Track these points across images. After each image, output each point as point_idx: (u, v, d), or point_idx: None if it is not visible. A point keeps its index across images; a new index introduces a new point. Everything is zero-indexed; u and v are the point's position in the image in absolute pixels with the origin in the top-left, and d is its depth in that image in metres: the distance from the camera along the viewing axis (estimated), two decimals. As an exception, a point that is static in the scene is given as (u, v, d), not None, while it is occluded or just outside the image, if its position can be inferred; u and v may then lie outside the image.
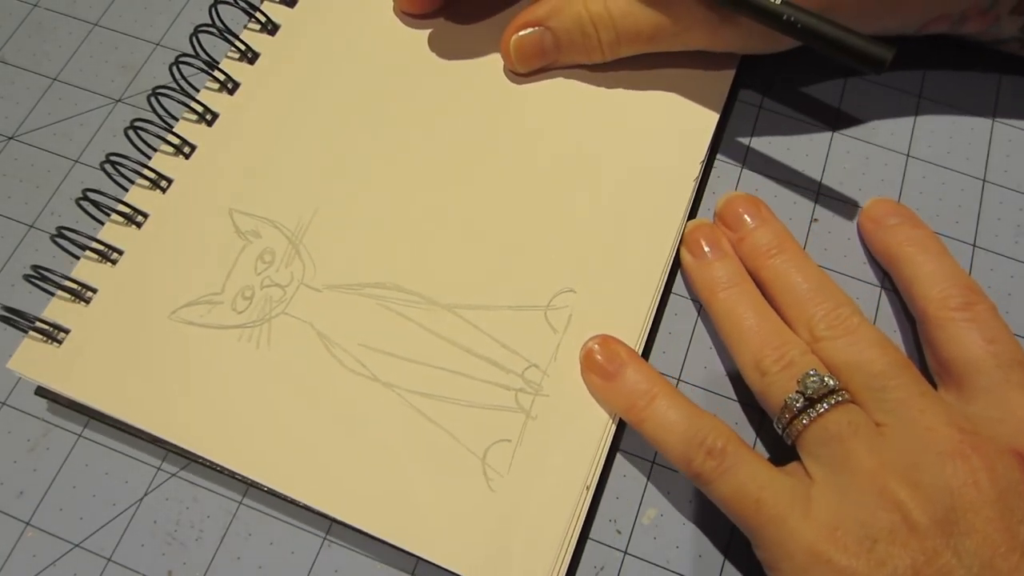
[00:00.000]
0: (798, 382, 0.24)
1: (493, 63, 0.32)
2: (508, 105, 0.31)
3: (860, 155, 0.32)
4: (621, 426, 0.28)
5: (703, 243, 0.29)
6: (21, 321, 0.27)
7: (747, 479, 0.23)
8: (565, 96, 0.32)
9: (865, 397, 0.24)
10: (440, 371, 0.27)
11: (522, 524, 0.25)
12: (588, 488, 0.25)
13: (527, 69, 0.31)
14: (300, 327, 0.28)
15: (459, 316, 0.28)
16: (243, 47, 0.32)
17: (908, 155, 0.32)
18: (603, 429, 0.26)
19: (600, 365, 0.26)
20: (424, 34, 0.33)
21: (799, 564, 0.22)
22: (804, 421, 0.24)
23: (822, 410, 0.23)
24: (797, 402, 0.24)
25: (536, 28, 0.30)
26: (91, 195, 0.28)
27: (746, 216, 0.29)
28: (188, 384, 0.27)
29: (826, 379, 0.24)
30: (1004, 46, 0.32)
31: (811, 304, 0.26)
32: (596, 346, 0.27)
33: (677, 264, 0.30)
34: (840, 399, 0.24)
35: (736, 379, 0.28)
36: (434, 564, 0.25)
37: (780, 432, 0.25)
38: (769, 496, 0.23)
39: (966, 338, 0.25)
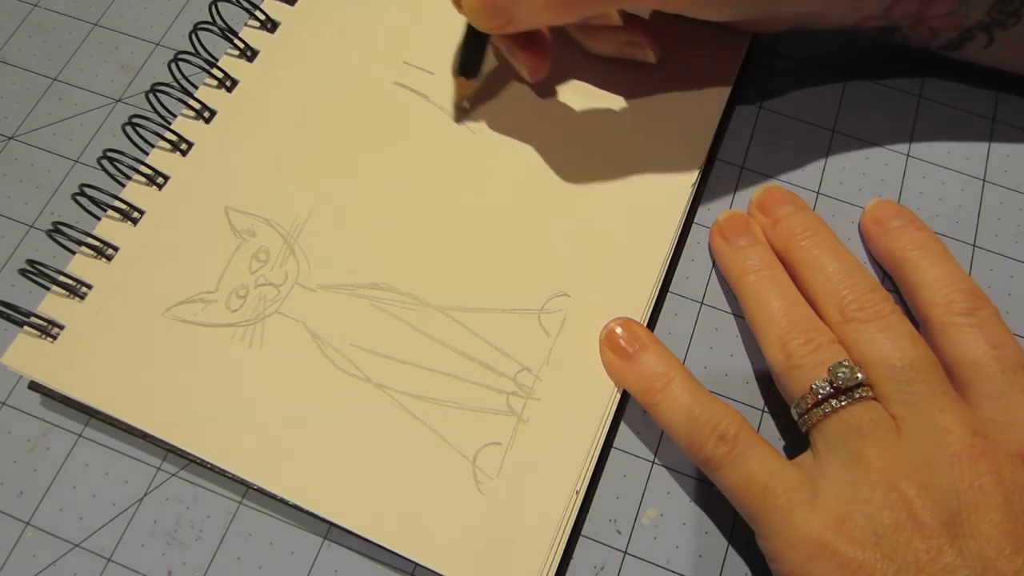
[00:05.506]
0: (828, 371, 0.24)
1: (490, 66, 0.32)
2: (505, 108, 0.31)
3: (860, 155, 0.32)
4: (616, 426, 0.28)
5: (736, 229, 0.29)
6: (15, 315, 0.27)
7: (756, 467, 0.23)
8: (564, 99, 0.31)
9: (888, 388, 0.24)
10: (432, 373, 0.27)
11: (511, 527, 0.25)
12: (578, 492, 0.25)
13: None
14: (293, 327, 0.28)
15: (452, 318, 0.28)
16: (242, 45, 0.32)
17: (908, 155, 0.32)
18: (594, 433, 0.26)
19: (620, 345, 0.27)
20: (423, 35, 0.33)
21: (804, 554, 0.22)
22: (826, 410, 0.24)
23: (846, 402, 0.24)
24: (823, 390, 0.24)
25: None
26: (88, 191, 0.28)
27: (783, 203, 0.29)
28: (180, 381, 0.27)
29: (856, 371, 0.24)
30: (962, 51, 0.30)
31: (843, 285, 0.26)
32: (619, 328, 0.27)
33: (676, 265, 0.30)
34: (865, 394, 0.24)
35: (736, 379, 0.28)
36: (424, 566, 0.25)
37: (796, 418, 0.25)
38: (778, 484, 0.23)
39: (970, 343, 0.25)
